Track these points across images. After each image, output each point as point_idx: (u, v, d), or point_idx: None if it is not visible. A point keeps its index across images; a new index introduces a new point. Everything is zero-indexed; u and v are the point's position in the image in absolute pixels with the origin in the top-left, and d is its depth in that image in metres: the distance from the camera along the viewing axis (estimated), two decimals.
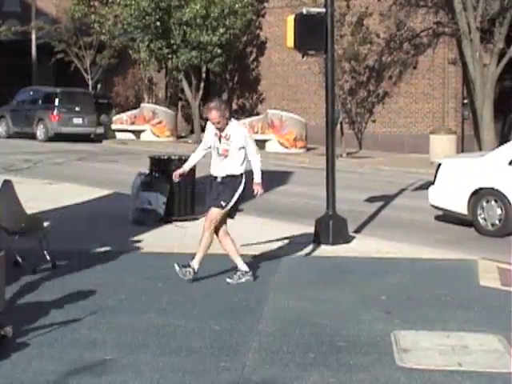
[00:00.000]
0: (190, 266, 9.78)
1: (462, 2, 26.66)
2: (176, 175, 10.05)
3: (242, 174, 9.78)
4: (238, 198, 9.79)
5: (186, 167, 10.11)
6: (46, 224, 10.44)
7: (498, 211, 14.38)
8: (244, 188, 9.79)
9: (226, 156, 9.72)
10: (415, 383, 6.71)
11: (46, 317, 8.11)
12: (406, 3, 30.75)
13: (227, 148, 9.71)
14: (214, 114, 9.62)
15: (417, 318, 8.60)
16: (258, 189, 9.81)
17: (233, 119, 9.91)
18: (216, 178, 9.80)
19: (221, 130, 9.70)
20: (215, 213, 9.74)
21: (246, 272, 9.89)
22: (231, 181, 9.74)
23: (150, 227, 13.44)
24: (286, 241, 12.53)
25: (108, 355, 7.07)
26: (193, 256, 9.87)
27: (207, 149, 9.95)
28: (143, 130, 36.60)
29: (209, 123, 9.95)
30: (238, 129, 9.83)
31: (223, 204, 9.70)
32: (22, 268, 9.97)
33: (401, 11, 30.80)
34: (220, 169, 9.77)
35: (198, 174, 14.90)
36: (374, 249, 12.35)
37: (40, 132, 35.08)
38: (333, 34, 13.03)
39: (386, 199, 17.86)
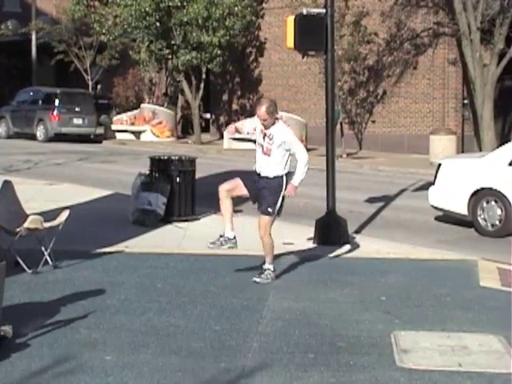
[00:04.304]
0: (265, 269, 10.00)
1: (462, 3, 26.69)
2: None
3: (283, 176, 9.88)
4: (282, 199, 9.95)
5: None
6: (57, 223, 10.44)
7: (498, 212, 14.39)
8: (285, 189, 9.93)
9: (269, 155, 9.84)
10: (415, 383, 6.71)
11: (45, 317, 8.11)
12: (406, 3, 30.77)
13: (270, 147, 9.83)
14: (261, 111, 9.70)
15: (417, 319, 8.60)
16: (290, 191, 9.89)
17: (280, 121, 10.03)
18: (258, 174, 9.92)
19: (265, 127, 9.81)
20: (266, 220, 9.95)
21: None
22: (273, 182, 9.86)
23: (150, 228, 13.44)
24: (286, 241, 12.53)
25: (108, 355, 7.07)
26: (263, 260, 10.10)
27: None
28: (143, 131, 36.62)
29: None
30: (281, 130, 9.90)
31: (270, 211, 9.88)
32: (22, 268, 9.97)
33: (401, 11, 30.83)
34: (262, 167, 9.88)
35: (198, 175, 14.94)
36: (374, 249, 12.36)
37: (40, 132, 35.10)
38: (333, 35, 13.03)
39: (386, 200, 17.86)
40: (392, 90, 31.87)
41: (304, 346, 7.54)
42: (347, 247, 12.40)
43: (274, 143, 9.82)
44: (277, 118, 9.88)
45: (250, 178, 10.00)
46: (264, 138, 9.85)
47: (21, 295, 8.96)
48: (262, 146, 9.87)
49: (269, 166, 9.88)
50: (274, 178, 9.88)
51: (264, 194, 9.92)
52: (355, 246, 12.51)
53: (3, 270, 7.07)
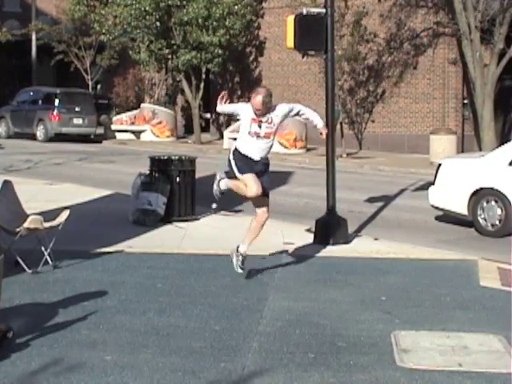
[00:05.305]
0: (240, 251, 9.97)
1: (462, 2, 26.69)
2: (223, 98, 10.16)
3: None
4: None
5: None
6: (56, 223, 10.44)
7: (498, 211, 14.39)
8: None
9: (269, 137, 9.90)
10: (415, 383, 6.71)
11: (45, 317, 8.11)
12: (406, 3, 30.77)
13: (271, 131, 9.89)
14: (257, 100, 9.70)
15: (417, 319, 8.60)
16: (325, 133, 10.51)
17: (277, 104, 10.06)
18: (252, 159, 9.86)
19: (258, 116, 9.78)
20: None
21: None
22: (268, 164, 10.03)
23: (150, 227, 13.44)
24: (286, 241, 12.53)
25: (108, 355, 7.07)
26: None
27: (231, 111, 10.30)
28: (143, 130, 36.63)
29: (246, 106, 10.04)
30: (277, 109, 9.97)
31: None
32: (22, 268, 9.96)
33: (401, 11, 30.83)
34: (263, 150, 9.88)
35: (198, 175, 14.94)
36: (374, 249, 12.36)
37: (40, 132, 35.11)
38: (333, 35, 13.03)
39: (386, 199, 17.86)
40: (392, 90, 31.88)
41: (304, 345, 7.54)
42: (347, 247, 12.40)
43: (275, 124, 9.90)
44: (270, 108, 9.89)
45: (249, 165, 9.86)
46: (260, 125, 9.82)
47: (21, 295, 8.96)
48: (258, 134, 9.82)
49: (267, 149, 9.95)
50: (268, 159, 10.04)
51: (266, 177, 9.99)
52: (355, 246, 12.50)
53: (1, 264, 7.04)
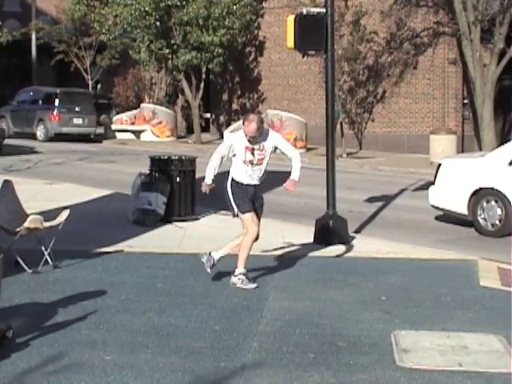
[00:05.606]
0: (239, 273, 9.79)
1: (462, 2, 26.68)
2: (206, 190, 9.96)
3: None
4: None
5: (210, 179, 9.96)
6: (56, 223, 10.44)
7: (498, 211, 14.39)
8: None
9: (262, 163, 9.91)
10: (415, 383, 6.71)
11: (45, 317, 8.11)
12: (406, 3, 30.76)
13: (263, 157, 9.90)
14: (252, 128, 9.67)
15: (417, 318, 8.60)
16: (292, 186, 10.07)
17: (264, 129, 9.99)
18: (249, 185, 9.89)
19: (251, 143, 9.78)
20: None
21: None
22: (261, 187, 10.06)
23: (150, 227, 13.44)
24: (286, 241, 12.54)
25: (108, 355, 7.07)
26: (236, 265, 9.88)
27: (224, 157, 9.99)
28: (143, 130, 36.63)
29: (236, 136, 10.00)
30: (269, 137, 9.94)
31: None
32: (22, 268, 9.96)
33: (401, 11, 30.82)
34: (257, 177, 9.92)
35: (198, 175, 14.93)
36: (374, 249, 12.36)
37: (40, 132, 35.10)
38: (333, 34, 13.04)
39: (386, 199, 17.87)
40: (392, 89, 31.86)
41: (304, 345, 7.54)
42: (347, 247, 12.41)
43: (267, 151, 9.90)
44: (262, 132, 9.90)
45: (247, 198, 9.86)
46: (253, 153, 9.83)
47: (21, 295, 8.96)
48: (252, 161, 9.84)
49: (260, 174, 9.95)
50: (262, 183, 10.07)
51: (260, 200, 10.05)
52: (355, 246, 12.51)
53: (1, 264, 7.04)
